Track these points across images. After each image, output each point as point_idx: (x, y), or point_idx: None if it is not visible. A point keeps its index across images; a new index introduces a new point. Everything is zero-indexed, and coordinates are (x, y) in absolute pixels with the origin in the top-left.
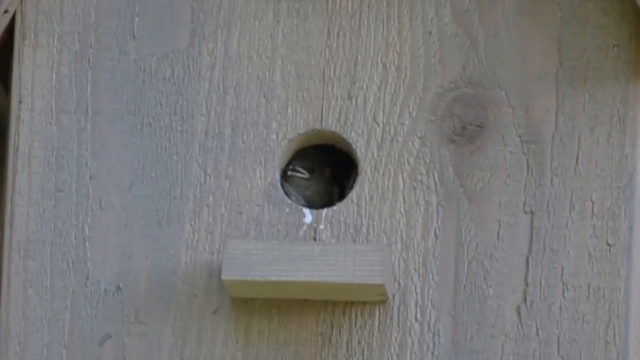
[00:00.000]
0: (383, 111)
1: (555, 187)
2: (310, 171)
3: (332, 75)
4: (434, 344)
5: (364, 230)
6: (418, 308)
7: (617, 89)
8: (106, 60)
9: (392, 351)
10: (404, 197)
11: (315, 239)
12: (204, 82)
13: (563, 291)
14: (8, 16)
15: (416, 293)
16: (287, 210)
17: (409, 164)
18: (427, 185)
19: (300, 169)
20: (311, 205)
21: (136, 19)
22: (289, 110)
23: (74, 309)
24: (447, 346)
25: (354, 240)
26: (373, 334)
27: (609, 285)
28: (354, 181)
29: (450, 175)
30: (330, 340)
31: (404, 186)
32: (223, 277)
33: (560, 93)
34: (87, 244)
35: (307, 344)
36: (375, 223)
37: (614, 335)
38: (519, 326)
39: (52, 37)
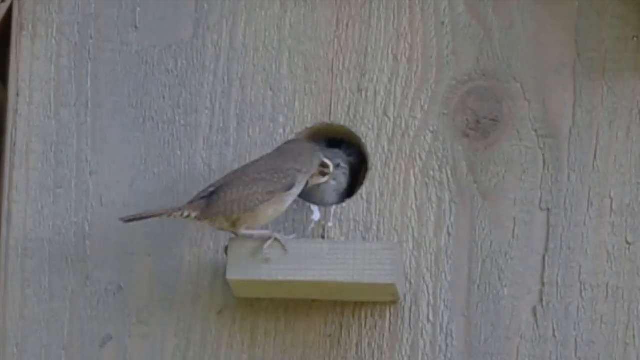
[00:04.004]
0: (394, 104)
1: (573, 183)
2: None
3: (341, 67)
4: (447, 345)
5: (374, 227)
6: (430, 308)
7: (637, 81)
8: (107, 52)
9: (404, 353)
10: (415, 193)
11: (323, 237)
12: (208, 74)
13: (581, 291)
14: (5, 6)
15: (428, 293)
16: (295, 207)
17: (420, 159)
18: (440, 181)
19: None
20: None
21: (138, 9)
22: (297, 103)
23: (73, 309)
24: (460, 348)
25: (364, 238)
26: (383, 335)
27: (628, 284)
28: (364, 177)
29: (463, 171)
30: (339, 341)
31: (415, 182)
32: (228, 276)
33: (577, 86)
34: (87, 242)
35: (315, 346)
36: (385, 220)
37: (634, 336)
38: (535, 327)
39: (51, 27)
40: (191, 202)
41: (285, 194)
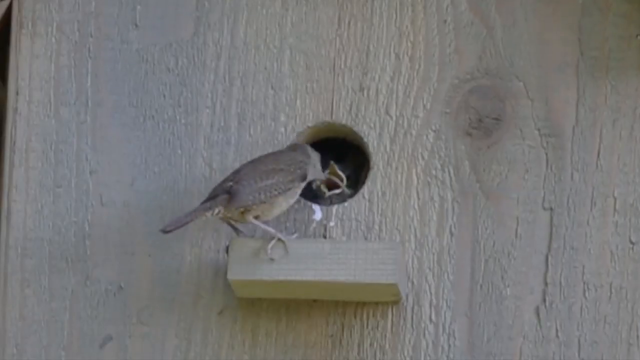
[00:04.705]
0: (396, 103)
1: (576, 183)
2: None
3: (342, 66)
4: (449, 346)
5: (376, 227)
6: (432, 309)
7: None
8: (107, 50)
9: (406, 353)
10: (417, 192)
11: (325, 237)
12: (209, 72)
13: (584, 291)
14: (5, 4)
15: (430, 293)
16: (296, 206)
17: (423, 158)
18: (442, 181)
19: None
20: None
21: (138, 7)
22: (298, 102)
23: (73, 309)
24: (463, 348)
25: (366, 238)
26: (385, 335)
27: (632, 284)
28: (366, 176)
29: (466, 170)
30: (340, 342)
31: (417, 181)
32: (229, 276)
33: (580, 84)
34: (87, 242)
35: (316, 346)
36: (387, 220)
37: (637, 337)
38: (538, 327)
39: (51, 25)
40: (213, 198)
41: (299, 185)
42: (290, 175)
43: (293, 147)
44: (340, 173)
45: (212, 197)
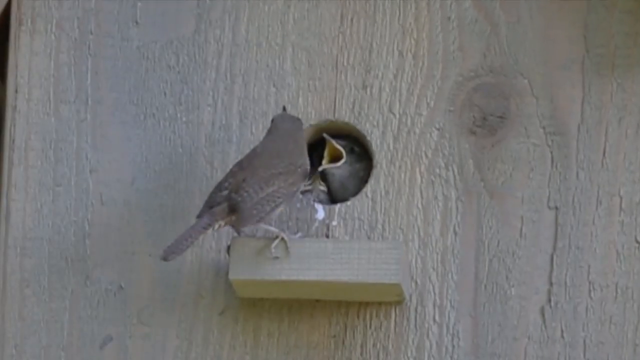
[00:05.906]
0: (399, 101)
1: (581, 181)
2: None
3: (345, 63)
4: (453, 346)
5: (379, 226)
6: (436, 309)
7: None
8: (107, 48)
9: (409, 354)
10: (421, 191)
11: (327, 236)
12: (210, 70)
13: (589, 291)
14: (4, 1)
15: (434, 293)
16: (298, 205)
17: (426, 156)
18: (446, 179)
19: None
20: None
21: (139, 4)
22: (300, 100)
23: (73, 309)
24: (467, 349)
25: (369, 237)
26: (389, 336)
27: (638, 284)
28: (369, 175)
29: (470, 169)
30: (343, 342)
31: (421, 180)
32: (230, 276)
33: (586, 82)
34: (87, 241)
35: (319, 347)
36: (391, 219)
37: None
38: (543, 328)
39: (50, 22)
40: (210, 209)
41: (303, 184)
42: (291, 177)
43: (282, 132)
44: (339, 147)
45: (209, 207)
